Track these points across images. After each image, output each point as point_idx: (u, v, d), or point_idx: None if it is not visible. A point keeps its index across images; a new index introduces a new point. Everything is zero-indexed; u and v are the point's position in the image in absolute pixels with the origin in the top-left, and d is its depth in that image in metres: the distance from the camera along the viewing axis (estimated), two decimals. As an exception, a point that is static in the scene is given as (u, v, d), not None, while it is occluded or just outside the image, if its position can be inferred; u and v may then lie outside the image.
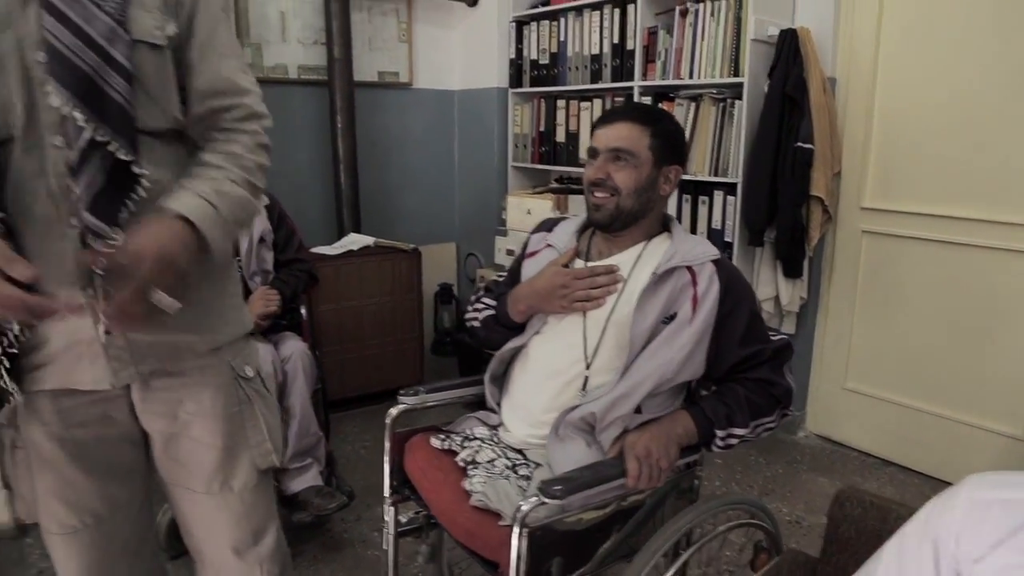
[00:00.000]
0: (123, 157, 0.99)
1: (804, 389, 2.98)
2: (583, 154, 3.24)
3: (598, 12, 3.13)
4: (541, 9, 3.40)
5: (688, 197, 2.85)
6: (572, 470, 1.26)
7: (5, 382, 1.05)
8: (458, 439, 1.50)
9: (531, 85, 3.50)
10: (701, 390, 1.49)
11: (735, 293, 1.38)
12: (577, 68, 3.26)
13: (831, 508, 1.20)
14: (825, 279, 2.90)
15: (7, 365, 1.05)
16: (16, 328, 1.03)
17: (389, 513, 1.54)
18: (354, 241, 3.22)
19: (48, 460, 1.11)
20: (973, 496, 0.73)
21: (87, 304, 1.02)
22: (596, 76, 3.17)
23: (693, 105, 2.82)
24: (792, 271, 2.71)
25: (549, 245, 1.56)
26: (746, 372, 1.39)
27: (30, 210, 1.00)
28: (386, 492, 1.54)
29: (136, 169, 1.00)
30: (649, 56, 2.96)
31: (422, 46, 3.67)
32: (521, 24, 3.50)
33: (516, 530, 1.17)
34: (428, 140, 3.78)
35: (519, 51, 3.53)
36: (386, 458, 1.54)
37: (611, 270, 1.43)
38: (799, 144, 2.54)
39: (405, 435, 1.56)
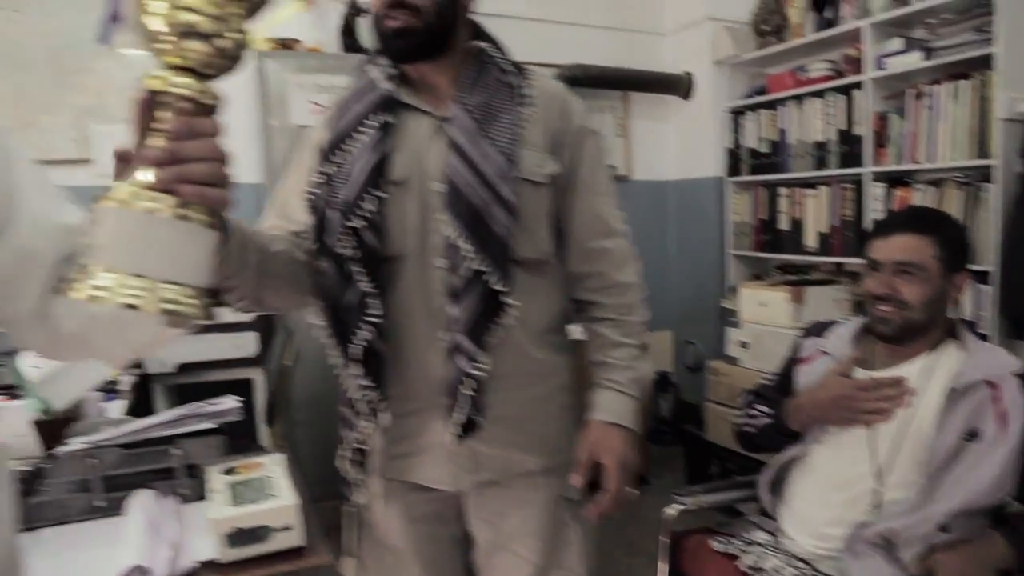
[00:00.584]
0: (497, 287, 1.11)
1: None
2: (810, 241, 3.22)
3: (819, 99, 3.14)
4: (758, 99, 3.47)
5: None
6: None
7: (358, 472, 1.22)
8: (739, 543, 1.53)
9: (750, 173, 3.54)
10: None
11: None
12: (800, 155, 3.27)
13: None
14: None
15: (360, 458, 1.22)
16: (365, 425, 1.18)
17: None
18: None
19: (390, 545, 1.26)
20: None
21: (443, 412, 1.15)
22: (821, 163, 3.16)
23: (933, 190, 2.72)
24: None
25: (824, 352, 1.58)
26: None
27: (408, 319, 1.16)
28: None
29: (507, 299, 1.12)
30: (880, 141, 2.91)
31: (638, 139, 3.85)
32: (737, 113, 3.58)
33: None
34: (643, 230, 3.89)
35: (736, 140, 3.60)
36: (662, 558, 1.60)
37: (899, 382, 1.43)
38: (1066, 228, 2.36)
39: (680, 533, 1.62)
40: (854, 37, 2.99)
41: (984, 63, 2.51)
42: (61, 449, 1.28)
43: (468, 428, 1.15)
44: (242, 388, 2.28)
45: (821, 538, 1.45)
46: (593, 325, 1.27)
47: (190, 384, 2.27)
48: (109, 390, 1.83)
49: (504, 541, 1.25)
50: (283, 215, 1.22)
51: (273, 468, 1.22)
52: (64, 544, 1.14)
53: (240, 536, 1.05)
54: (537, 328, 1.21)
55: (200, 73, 0.63)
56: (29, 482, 1.23)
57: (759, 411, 1.64)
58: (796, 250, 3.31)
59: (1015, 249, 2.47)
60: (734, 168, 3.62)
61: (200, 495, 1.22)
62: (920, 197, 2.75)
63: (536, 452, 1.23)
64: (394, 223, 1.14)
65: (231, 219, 0.88)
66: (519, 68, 1.23)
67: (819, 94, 3.14)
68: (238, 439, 1.45)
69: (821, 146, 3.16)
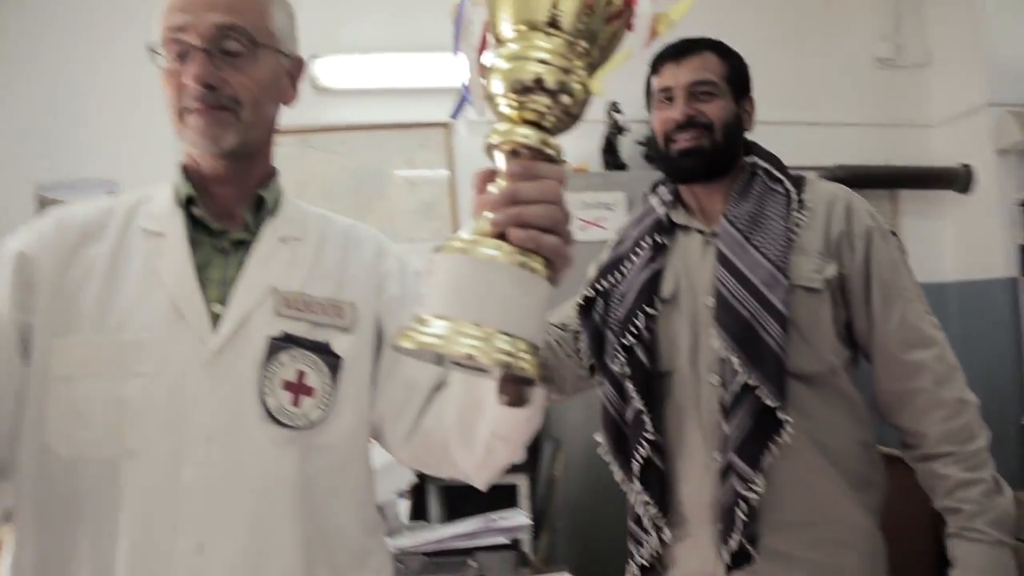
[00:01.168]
0: (769, 403, 1.05)
1: None
2: None
3: None
4: (1059, 190, 3.06)
5: None
6: None
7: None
8: None
9: (1055, 273, 3.09)
10: None
11: None
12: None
13: None
14: None
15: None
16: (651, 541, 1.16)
17: None
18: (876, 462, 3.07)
19: None
20: None
21: (715, 539, 1.10)
22: None
23: None
24: None
25: None
26: None
27: (682, 438, 1.14)
28: None
29: (781, 415, 1.06)
30: None
31: (909, 239, 3.53)
32: (1030, 207, 3.17)
33: None
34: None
35: (1030, 236, 3.17)
36: None
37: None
38: None
39: None
40: None
41: None
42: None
43: (739, 559, 1.08)
44: (507, 493, 2.34)
45: None
46: (929, 464, 1.13)
47: (458, 487, 2.38)
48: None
49: None
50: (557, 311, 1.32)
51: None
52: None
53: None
54: (826, 452, 1.12)
55: (542, 127, 0.62)
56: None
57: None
58: None
59: None
60: (1032, 267, 3.18)
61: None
62: None
63: None
64: (665, 340, 1.16)
65: None
66: (790, 175, 1.20)
67: None
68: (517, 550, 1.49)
69: None
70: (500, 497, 1.84)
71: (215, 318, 0.84)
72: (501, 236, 0.58)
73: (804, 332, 1.09)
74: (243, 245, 0.90)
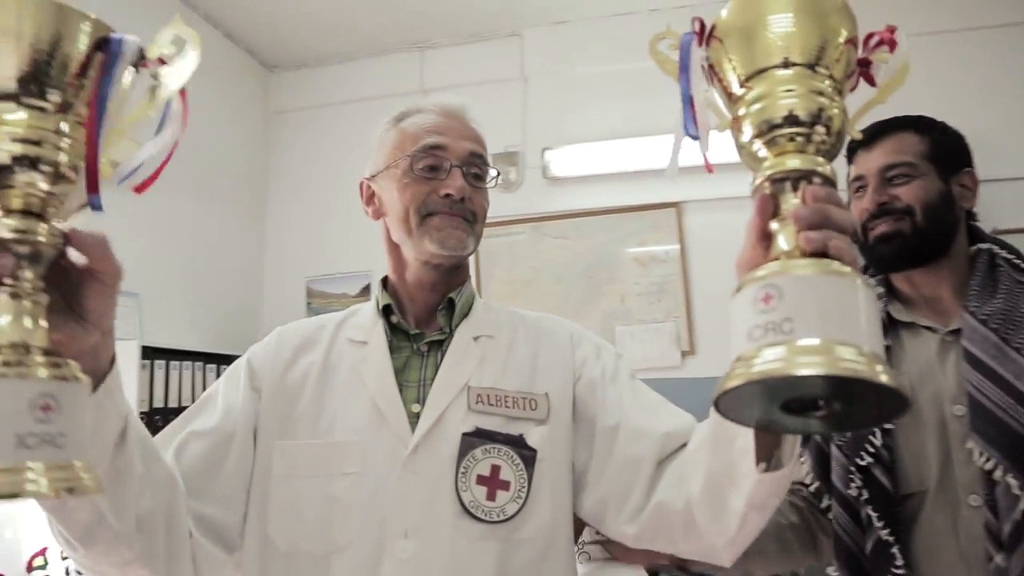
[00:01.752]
0: None
1: None
2: None
3: None
4: None
5: None
6: None
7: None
8: None
9: None
10: None
11: None
12: None
13: None
14: None
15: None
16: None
17: None
18: None
19: None
20: None
21: None
22: None
23: None
24: None
25: None
26: None
27: (938, 570, 0.98)
28: None
29: None
30: None
31: None
32: None
33: None
34: None
35: None
36: None
37: None
38: None
39: None
40: None
41: None
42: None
43: None
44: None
45: None
46: None
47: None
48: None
49: None
50: None
51: None
52: None
53: None
54: None
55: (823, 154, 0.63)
56: None
57: None
58: None
59: None
60: None
61: None
62: None
63: None
64: (908, 456, 1.02)
65: None
66: None
67: None
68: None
69: None
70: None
71: (415, 417, 0.90)
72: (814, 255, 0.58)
73: None
74: (438, 345, 0.97)
